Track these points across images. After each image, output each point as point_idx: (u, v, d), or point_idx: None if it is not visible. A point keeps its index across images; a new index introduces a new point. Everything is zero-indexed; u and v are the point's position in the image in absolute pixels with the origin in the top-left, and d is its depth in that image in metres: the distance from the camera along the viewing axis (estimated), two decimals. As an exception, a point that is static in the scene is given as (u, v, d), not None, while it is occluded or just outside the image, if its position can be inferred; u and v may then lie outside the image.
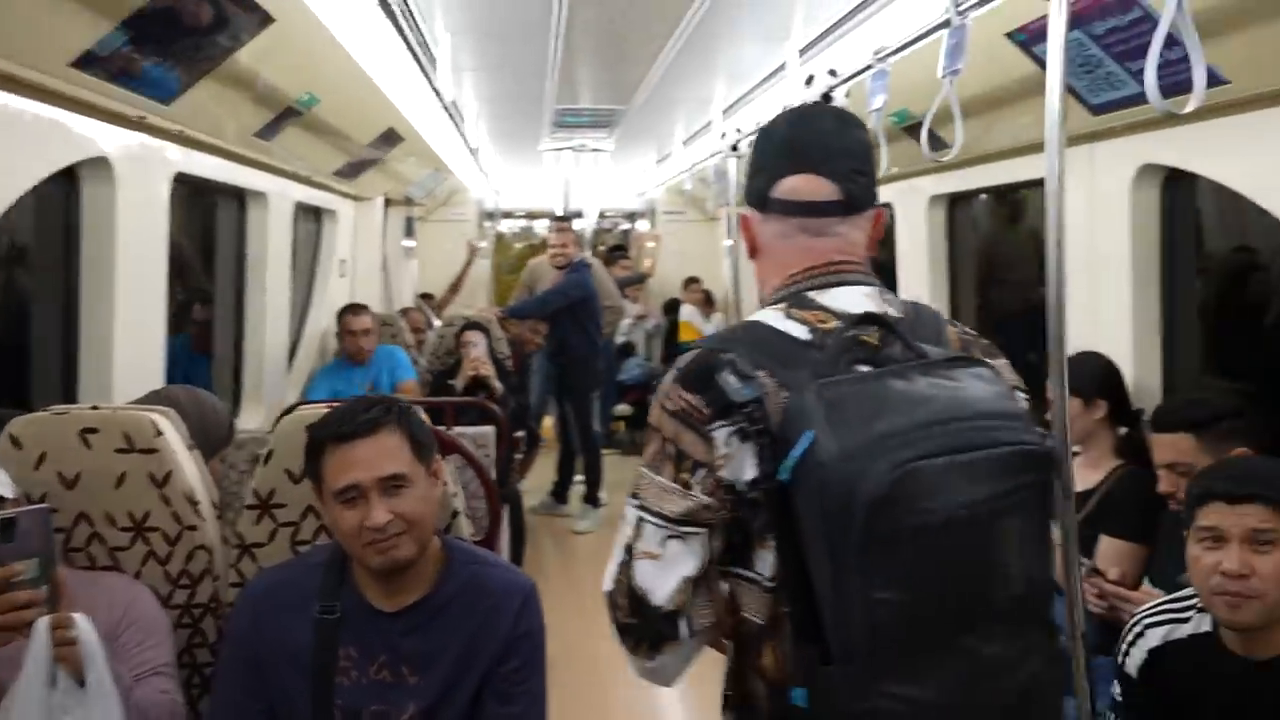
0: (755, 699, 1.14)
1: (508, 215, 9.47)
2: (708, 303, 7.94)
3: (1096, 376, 2.61)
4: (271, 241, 3.78)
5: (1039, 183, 1.55)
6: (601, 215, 9.10)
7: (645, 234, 8.76)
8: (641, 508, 1.13)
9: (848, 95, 3.05)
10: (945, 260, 4.13)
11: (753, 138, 3.12)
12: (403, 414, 1.59)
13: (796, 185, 1.22)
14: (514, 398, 4.62)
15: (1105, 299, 2.80)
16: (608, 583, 1.14)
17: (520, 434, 4.61)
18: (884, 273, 5.66)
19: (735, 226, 4.43)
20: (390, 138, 4.32)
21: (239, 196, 3.65)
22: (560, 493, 5.90)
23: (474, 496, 2.66)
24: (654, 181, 8.36)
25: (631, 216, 9.60)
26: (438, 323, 5.38)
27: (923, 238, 4.14)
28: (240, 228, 3.69)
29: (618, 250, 8.67)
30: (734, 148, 4.17)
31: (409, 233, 7.19)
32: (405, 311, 5.82)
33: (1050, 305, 1.47)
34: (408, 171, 5.64)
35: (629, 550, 1.13)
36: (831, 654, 1.01)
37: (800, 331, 1.14)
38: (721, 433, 1.10)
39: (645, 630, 1.12)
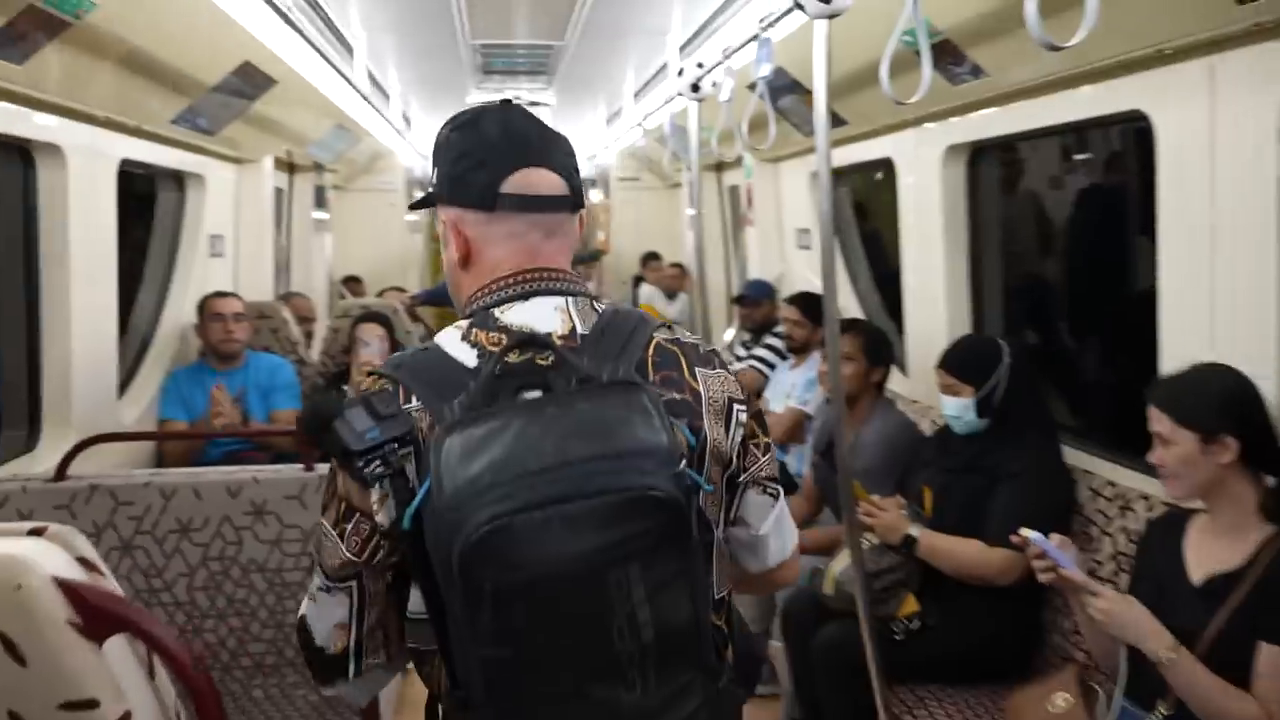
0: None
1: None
2: (681, 279, 6.99)
3: (1221, 401, 1.77)
4: (79, 212, 2.82)
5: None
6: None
7: (597, 205, 7.82)
8: (316, 550, 1.14)
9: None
10: (965, 229, 3.27)
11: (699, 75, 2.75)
12: None
13: (530, 179, 1.15)
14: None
15: None
16: (300, 611, 1.16)
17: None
18: (872, 243, 4.94)
19: (697, 192, 3.52)
20: (253, 78, 3.36)
21: (20, 151, 2.69)
22: None
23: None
24: (604, 143, 7.42)
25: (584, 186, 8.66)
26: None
27: (935, 200, 3.28)
28: (27, 194, 2.73)
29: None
30: (694, 88, 3.26)
31: (320, 203, 6.20)
32: (288, 298, 4.81)
33: None
34: (300, 127, 4.67)
35: (309, 589, 1.14)
36: (465, 698, 1.02)
37: (469, 357, 1.10)
38: (367, 483, 1.04)
39: (315, 662, 1.14)
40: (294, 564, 2.39)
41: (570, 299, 1.16)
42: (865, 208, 4.71)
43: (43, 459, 2.72)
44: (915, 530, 2.49)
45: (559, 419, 1.00)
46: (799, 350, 4.20)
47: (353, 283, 6.86)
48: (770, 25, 2.60)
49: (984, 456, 2.51)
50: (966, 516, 2.48)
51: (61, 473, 2.35)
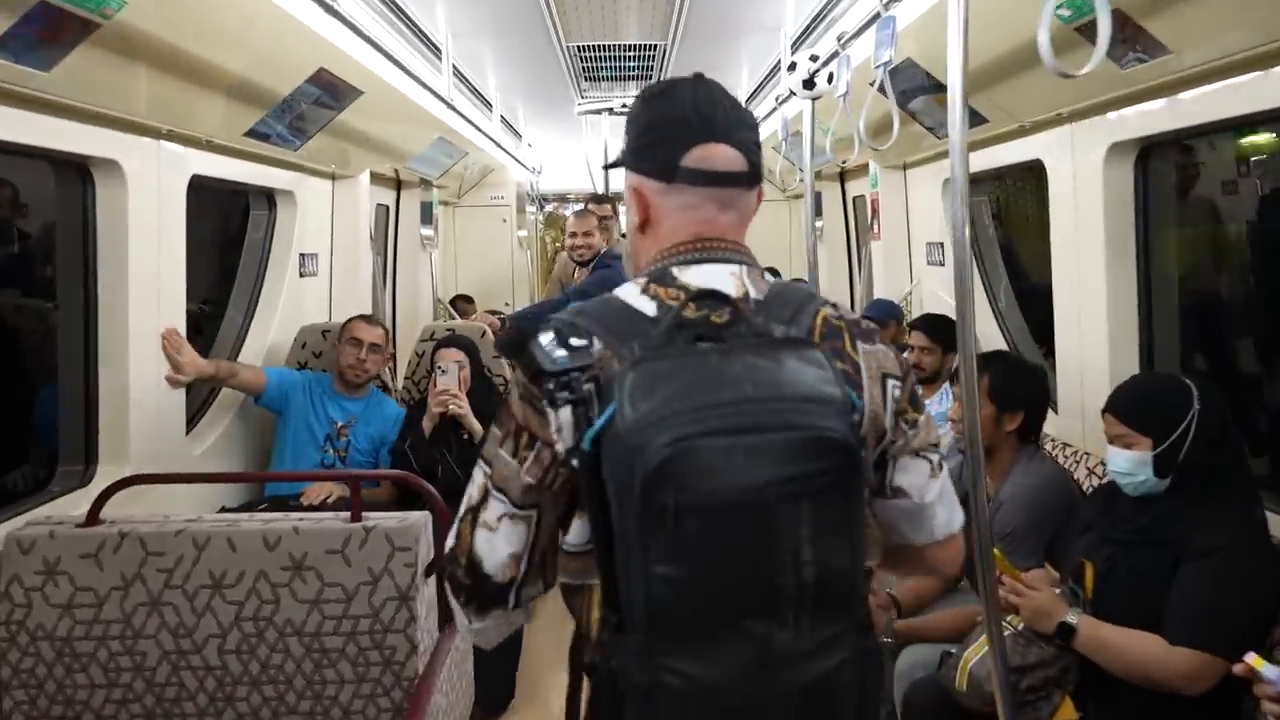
0: (591, 661, 1.13)
1: (545, 200, 8.23)
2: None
3: None
4: (139, 230, 2.66)
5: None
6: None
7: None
8: (490, 479, 1.15)
9: None
10: (1131, 241, 2.74)
11: (813, 69, 2.63)
12: None
13: (709, 154, 1.18)
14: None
15: None
16: (450, 539, 1.17)
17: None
18: (1015, 258, 4.38)
19: (810, 203, 3.11)
20: (332, 86, 3.16)
21: (80, 169, 2.54)
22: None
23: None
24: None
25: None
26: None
27: (1095, 207, 2.77)
28: (86, 213, 2.58)
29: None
30: (808, 84, 2.85)
31: (426, 220, 6.06)
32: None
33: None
34: (397, 140, 4.49)
35: (473, 515, 1.15)
36: (622, 622, 1.03)
37: (649, 307, 1.14)
38: (552, 405, 1.09)
39: (477, 593, 1.15)
40: (334, 628, 2.11)
41: (743, 267, 1.19)
42: (1007, 218, 4.17)
43: (83, 501, 2.54)
44: (1073, 617, 2.00)
45: (735, 364, 1.04)
46: (927, 381, 3.72)
47: (463, 302, 6.69)
48: (893, 1, 2.18)
49: (1164, 526, 1.99)
50: (1140, 602, 1.97)
51: (94, 516, 2.15)
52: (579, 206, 7.89)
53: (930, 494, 1.21)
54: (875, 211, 4.63)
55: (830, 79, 2.86)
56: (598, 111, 5.30)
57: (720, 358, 1.04)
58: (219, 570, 2.11)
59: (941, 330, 3.72)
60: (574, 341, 1.08)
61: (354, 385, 3.44)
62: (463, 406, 3.20)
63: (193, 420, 3.25)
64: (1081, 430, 2.93)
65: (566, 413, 1.07)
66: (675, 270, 1.18)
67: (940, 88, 3.15)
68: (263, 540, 2.12)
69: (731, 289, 1.15)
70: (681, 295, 1.13)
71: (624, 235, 6.10)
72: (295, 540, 2.12)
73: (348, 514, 2.19)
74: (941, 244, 4.15)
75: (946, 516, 1.23)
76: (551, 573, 1.18)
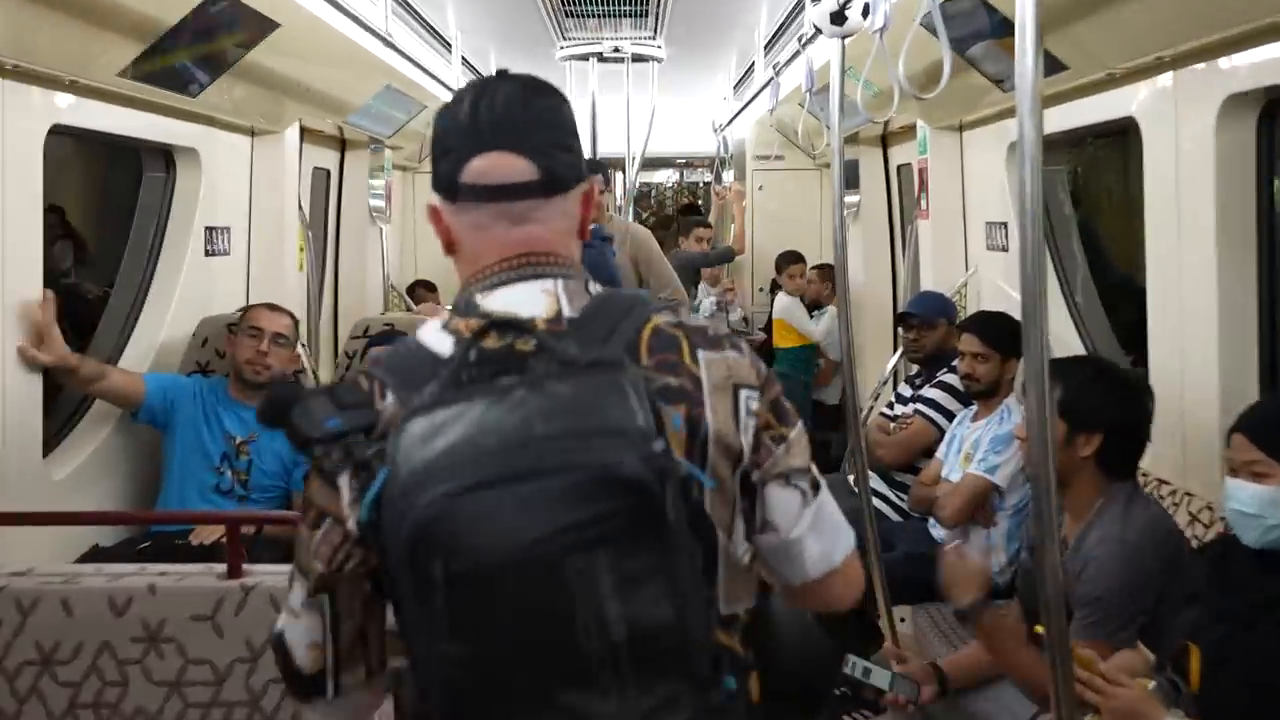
0: None
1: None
2: (823, 287, 6.24)
3: None
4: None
5: None
6: (673, 164, 7.59)
7: (730, 191, 7.19)
8: (295, 561, 1.19)
9: None
10: (1252, 218, 2.51)
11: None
12: None
13: (486, 166, 1.21)
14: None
15: None
16: (276, 626, 1.22)
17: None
18: (1097, 242, 4.13)
19: (838, 170, 2.86)
20: (237, 17, 2.93)
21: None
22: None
23: None
24: (733, 109, 6.80)
25: (713, 165, 8.05)
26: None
27: (1205, 176, 2.53)
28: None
29: (692, 213, 7.15)
30: (837, 18, 2.62)
31: (376, 189, 5.84)
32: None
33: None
34: (333, 88, 4.27)
35: (287, 601, 1.20)
36: (430, 711, 1.08)
37: (445, 346, 1.17)
38: (334, 475, 1.12)
39: (293, 683, 1.20)
40: (200, 718, 1.89)
41: (562, 281, 1.22)
42: (1087, 193, 3.94)
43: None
44: (1174, 722, 1.77)
45: (527, 401, 1.05)
46: (984, 394, 3.49)
47: (424, 290, 6.46)
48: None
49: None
50: (1263, 698, 1.75)
51: (-108, 567, 1.93)
52: None
53: (799, 528, 1.23)
54: (923, 183, 4.39)
55: (866, 11, 2.62)
56: (584, 57, 5.07)
57: (509, 397, 1.05)
58: (49, 641, 1.91)
59: (998, 332, 3.48)
60: (348, 400, 1.13)
61: (255, 387, 3.21)
62: None
63: (57, 436, 3.03)
64: (1181, 462, 2.69)
65: (346, 481, 1.10)
66: (479, 297, 1.21)
67: (1006, 27, 2.92)
68: (108, 602, 1.91)
69: (542, 309, 1.18)
70: (479, 326, 1.15)
71: (618, 211, 5.84)
72: (151, 603, 1.92)
73: (222, 567, 1.97)
74: (1005, 224, 3.91)
75: (822, 550, 1.25)
76: (376, 658, 1.20)
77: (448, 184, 1.22)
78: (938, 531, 3.50)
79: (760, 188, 7.39)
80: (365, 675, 1.20)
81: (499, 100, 1.21)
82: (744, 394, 1.20)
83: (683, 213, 6.70)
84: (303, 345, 3.59)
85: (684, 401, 1.16)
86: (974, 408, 3.61)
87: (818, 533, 1.24)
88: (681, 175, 10.70)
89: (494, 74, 1.26)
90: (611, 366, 1.10)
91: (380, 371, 1.17)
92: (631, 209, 7.16)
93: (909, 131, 5.20)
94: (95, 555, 2.89)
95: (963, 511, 3.36)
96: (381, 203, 5.85)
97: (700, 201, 10.43)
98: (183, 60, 2.99)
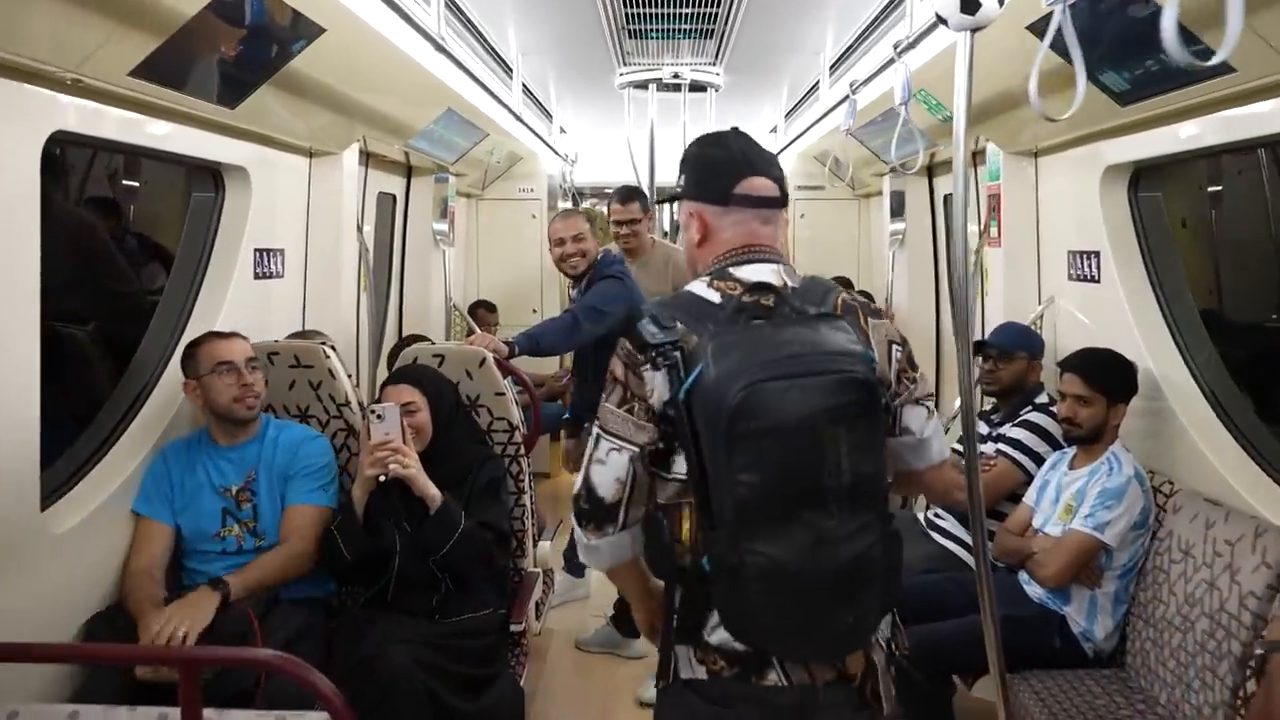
0: (681, 564, 1.46)
1: (581, 193, 7.18)
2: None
3: None
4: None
5: None
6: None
7: (772, 217, 6.36)
8: (600, 427, 1.48)
9: None
10: None
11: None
12: None
13: (753, 184, 1.56)
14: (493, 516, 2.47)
15: None
16: (577, 484, 1.51)
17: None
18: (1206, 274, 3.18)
19: (961, 181, 2.04)
20: (276, 17, 2.17)
21: None
22: (624, 619, 3.62)
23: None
24: (781, 142, 5.98)
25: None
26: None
27: None
28: None
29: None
30: (969, 5, 1.81)
31: (441, 214, 5.09)
32: (306, 337, 3.20)
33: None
34: (392, 108, 3.51)
35: (590, 459, 1.48)
36: (714, 522, 1.37)
37: (714, 296, 1.49)
38: (648, 369, 1.44)
39: (593, 514, 1.48)
40: None
41: (780, 265, 1.55)
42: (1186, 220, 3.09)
43: None
44: None
45: (784, 332, 1.41)
46: (1082, 440, 2.67)
47: (484, 310, 5.70)
48: None
49: None
50: None
51: None
52: (565, 204, 6.88)
53: (928, 431, 1.58)
54: (994, 210, 3.55)
55: (1001, -1, 1.82)
56: (644, 84, 4.29)
57: (772, 329, 1.42)
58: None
59: (1106, 373, 2.66)
60: (664, 323, 1.45)
61: (242, 423, 2.47)
62: (409, 465, 2.24)
63: (64, 485, 2.28)
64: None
65: (661, 375, 1.42)
66: (731, 269, 1.53)
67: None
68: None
69: (775, 280, 1.50)
70: (739, 287, 1.49)
71: (663, 236, 5.07)
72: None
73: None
74: (1094, 253, 3.07)
75: (940, 446, 1.60)
76: (651, 500, 1.49)
77: (720, 194, 1.55)
78: (1032, 589, 2.68)
79: (802, 216, 6.59)
80: (642, 511, 1.49)
81: (749, 144, 1.59)
82: (894, 348, 1.55)
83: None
84: (348, 373, 2.84)
85: (866, 345, 1.47)
86: (1067, 452, 2.79)
87: (937, 435, 1.59)
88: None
89: (731, 129, 1.63)
90: (833, 316, 1.46)
91: (671, 308, 1.47)
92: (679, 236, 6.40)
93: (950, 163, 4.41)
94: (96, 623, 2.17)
95: (1067, 571, 2.55)
96: (446, 227, 5.10)
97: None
98: (207, 63, 2.24)
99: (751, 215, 1.53)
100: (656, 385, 1.41)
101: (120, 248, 3.93)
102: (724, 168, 1.55)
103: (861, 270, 6.35)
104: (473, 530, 2.28)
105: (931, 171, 5.01)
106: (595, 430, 1.47)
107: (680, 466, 1.43)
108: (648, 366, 1.41)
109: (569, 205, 6.76)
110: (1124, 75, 2.37)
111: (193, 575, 2.38)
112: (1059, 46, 1.77)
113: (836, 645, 1.42)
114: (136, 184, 4.95)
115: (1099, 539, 2.51)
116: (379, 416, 2.27)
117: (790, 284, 1.49)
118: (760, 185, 1.54)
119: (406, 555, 2.31)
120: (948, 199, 4.82)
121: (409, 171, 5.00)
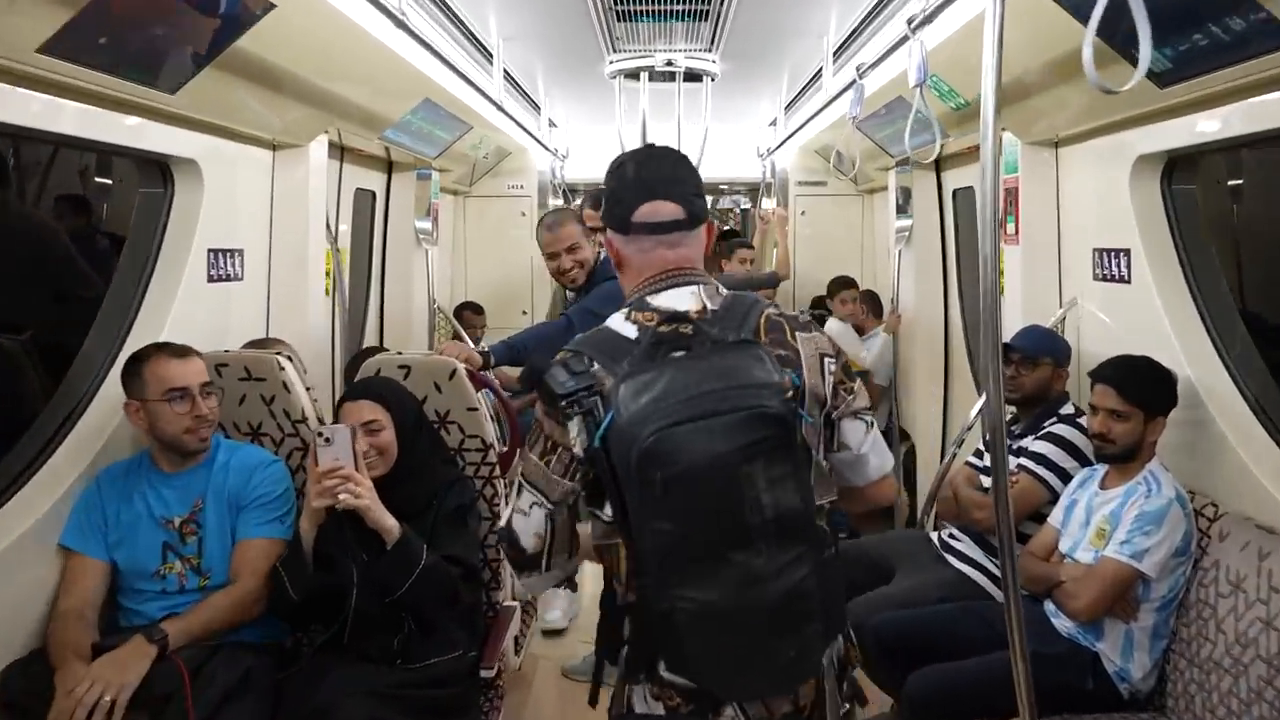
0: (626, 602, 1.47)
1: (572, 190, 6.91)
2: (870, 311, 5.18)
3: None
4: None
5: None
6: (716, 190, 6.52)
7: (773, 215, 6.11)
8: (523, 475, 1.49)
9: None
10: None
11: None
12: None
13: (655, 209, 1.54)
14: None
15: None
16: (500, 523, 1.57)
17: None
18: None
19: (991, 168, 1.78)
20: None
21: None
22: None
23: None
24: (780, 136, 5.73)
25: (755, 192, 6.98)
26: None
27: None
28: None
29: (733, 236, 6.10)
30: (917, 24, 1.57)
31: (425, 211, 4.84)
32: (263, 345, 2.92)
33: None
34: (361, 96, 3.25)
35: (513, 506, 1.50)
36: (641, 568, 1.37)
37: (631, 331, 1.49)
38: (567, 419, 1.42)
39: (517, 561, 1.50)
40: None
41: (701, 286, 1.53)
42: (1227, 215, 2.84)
43: None
44: None
45: (698, 366, 1.38)
46: (1116, 458, 2.42)
47: (470, 312, 5.45)
48: None
49: None
50: None
51: None
52: (557, 202, 6.60)
53: (865, 446, 1.57)
54: (1011, 205, 3.29)
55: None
56: (635, 74, 4.03)
57: (689, 362, 1.39)
58: None
59: (1141, 385, 2.42)
60: (576, 368, 1.43)
61: (194, 453, 2.23)
62: (361, 495, 1.99)
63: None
64: None
65: (577, 422, 1.41)
66: (649, 297, 1.52)
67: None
68: None
69: (693, 305, 1.50)
70: (655, 316, 1.48)
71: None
72: None
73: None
74: (1123, 251, 2.81)
75: (878, 462, 1.59)
76: (574, 544, 1.52)
77: (622, 222, 1.55)
78: (1060, 622, 2.43)
79: (803, 213, 6.34)
80: (567, 557, 1.51)
81: (654, 166, 1.56)
82: (826, 361, 1.52)
83: (722, 238, 5.62)
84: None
85: (791, 366, 1.45)
86: (1098, 469, 2.54)
87: (876, 451, 1.58)
88: (715, 201, 9.63)
89: (645, 148, 1.63)
90: (750, 344, 1.43)
91: (588, 348, 1.46)
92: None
93: (963, 155, 4.16)
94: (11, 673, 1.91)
95: (1101, 604, 2.31)
96: (429, 225, 4.85)
97: (728, 225, 9.40)
98: (137, 40, 1.98)
99: (654, 242, 1.52)
100: (575, 433, 1.41)
101: (91, 248, 3.69)
102: (620, 195, 1.55)
103: (865, 269, 6.11)
104: (435, 565, 2.02)
105: (940, 165, 4.76)
106: (519, 478, 1.48)
107: (607, 508, 1.43)
108: (569, 414, 1.40)
109: (560, 203, 6.49)
110: (1165, 53, 2.12)
111: (130, 615, 2.14)
112: (1100, 18, 1.52)
113: (784, 678, 1.41)
114: (110, 181, 4.71)
115: (1137, 568, 2.26)
116: (326, 440, 2.02)
117: (711, 306, 1.49)
118: (660, 210, 1.52)
119: (363, 593, 2.05)
120: (957, 194, 4.57)
121: (390, 167, 4.75)
